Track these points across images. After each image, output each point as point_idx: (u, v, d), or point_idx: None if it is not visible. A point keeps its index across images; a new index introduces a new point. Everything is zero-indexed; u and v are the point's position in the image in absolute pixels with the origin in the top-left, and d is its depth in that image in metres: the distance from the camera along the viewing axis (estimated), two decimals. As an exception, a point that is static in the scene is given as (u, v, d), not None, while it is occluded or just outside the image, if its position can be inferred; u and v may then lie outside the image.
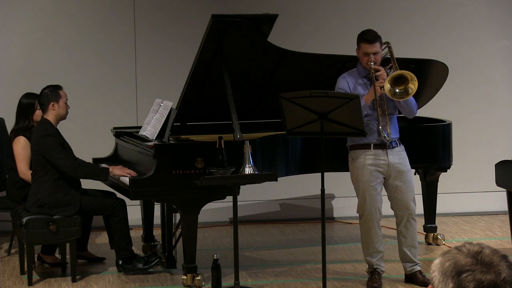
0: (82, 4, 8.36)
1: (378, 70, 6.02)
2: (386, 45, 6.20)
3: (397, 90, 5.92)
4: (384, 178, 6.17)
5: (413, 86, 5.88)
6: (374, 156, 6.13)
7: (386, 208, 6.32)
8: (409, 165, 6.25)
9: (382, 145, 6.13)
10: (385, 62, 6.18)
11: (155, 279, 6.57)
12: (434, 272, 2.06)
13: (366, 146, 6.15)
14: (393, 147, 6.16)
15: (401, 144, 6.24)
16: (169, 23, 8.48)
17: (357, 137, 6.09)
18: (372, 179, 6.13)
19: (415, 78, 5.88)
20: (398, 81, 5.92)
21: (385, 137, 6.08)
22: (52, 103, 6.55)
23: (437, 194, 7.49)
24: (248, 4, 8.33)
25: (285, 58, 6.91)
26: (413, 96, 6.06)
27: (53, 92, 6.58)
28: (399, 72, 5.93)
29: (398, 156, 6.17)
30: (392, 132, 6.15)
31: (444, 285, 2.03)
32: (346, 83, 6.17)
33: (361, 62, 6.14)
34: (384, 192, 6.24)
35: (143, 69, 8.45)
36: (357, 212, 6.27)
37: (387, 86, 5.88)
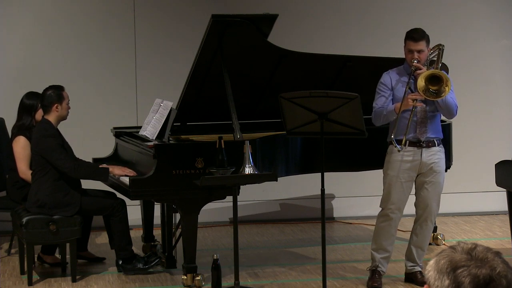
0: (82, 4, 8.36)
1: (419, 68, 5.99)
2: (437, 47, 6.18)
3: (430, 89, 5.87)
4: (416, 176, 6.13)
5: (447, 89, 5.83)
6: (407, 153, 6.09)
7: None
8: (444, 168, 6.19)
9: (417, 143, 6.10)
10: (432, 64, 6.15)
11: (155, 279, 6.58)
12: (430, 272, 2.08)
13: (401, 142, 6.11)
14: (429, 147, 6.11)
15: (441, 145, 6.18)
16: (169, 23, 8.48)
17: (394, 132, 6.07)
18: (399, 175, 6.10)
19: (450, 83, 5.84)
20: (433, 80, 5.87)
21: (398, 150, 6.02)
22: (55, 105, 6.55)
23: (437, 194, 7.48)
24: (248, 4, 8.33)
25: (285, 58, 6.91)
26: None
27: (56, 94, 6.57)
28: (435, 71, 5.90)
29: (434, 156, 6.10)
30: (430, 131, 6.09)
31: (440, 282, 2.04)
32: (389, 78, 6.15)
33: (406, 59, 6.12)
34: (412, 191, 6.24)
35: (143, 69, 8.45)
36: (379, 206, 6.25)
37: (422, 82, 5.83)
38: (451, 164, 7.24)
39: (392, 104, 6.08)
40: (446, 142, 7.10)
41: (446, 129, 7.12)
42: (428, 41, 6.08)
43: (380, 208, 6.25)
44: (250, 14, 6.78)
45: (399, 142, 6.08)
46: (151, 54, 8.46)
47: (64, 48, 8.32)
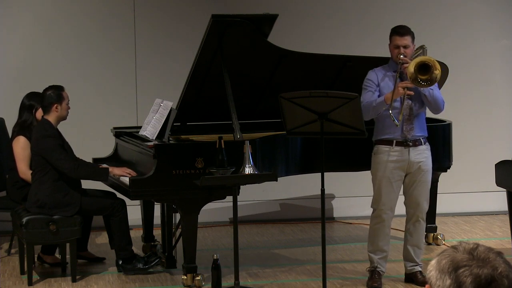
0: (82, 4, 8.36)
1: (406, 62, 5.99)
2: (421, 47, 6.19)
3: (420, 79, 5.86)
4: (404, 175, 6.15)
5: (438, 72, 5.83)
6: (395, 153, 6.10)
7: (397, 206, 6.31)
8: (431, 165, 6.20)
9: (405, 142, 6.11)
10: None
11: (155, 279, 6.58)
12: (431, 271, 2.08)
13: (389, 142, 6.11)
14: (416, 145, 6.13)
15: (427, 144, 6.20)
16: (169, 23, 8.48)
17: (381, 132, 6.09)
18: (390, 176, 6.11)
19: (438, 64, 5.84)
20: (422, 70, 5.88)
21: (394, 120, 6.00)
22: (55, 105, 6.55)
23: (437, 194, 7.49)
24: (248, 4, 8.33)
25: (285, 58, 6.91)
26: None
27: (56, 94, 6.57)
28: (424, 57, 5.90)
29: (421, 155, 6.13)
30: (417, 129, 6.11)
31: (441, 282, 2.04)
32: (375, 75, 6.17)
33: (391, 56, 6.14)
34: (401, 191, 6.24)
35: (143, 69, 8.45)
36: (371, 206, 6.27)
37: (411, 69, 5.84)
38: (451, 164, 7.24)
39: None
40: (446, 142, 7.12)
41: (446, 129, 7.13)
42: (413, 37, 6.12)
43: (372, 209, 6.26)
44: (250, 14, 6.78)
45: (386, 142, 6.10)
46: (151, 54, 8.46)
47: (64, 48, 8.32)
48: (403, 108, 6.06)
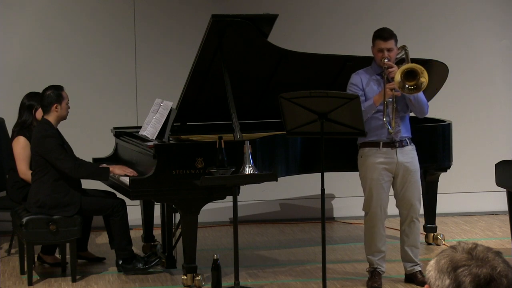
0: (82, 4, 8.36)
1: (391, 67, 6.03)
2: (403, 48, 6.22)
3: (407, 85, 5.90)
4: (392, 177, 6.18)
5: (424, 80, 5.86)
6: (383, 155, 6.13)
7: (389, 207, 6.32)
8: (418, 165, 6.23)
9: (392, 144, 6.13)
10: (400, 63, 6.18)
11: (155, 279, 6.58)
12: (430, 271, 2.08)
13: (376, 144, 6.14)
14: (403, 146, 6.16)
15: (412, 144, 6.23)
16: (169, 23, 8.48)
17: (367, 134, 6.11)
18: (379, 178, 6.13)
19: (426, 72, 5.87)
20: (409, 76, 5.91)
21: (388, 128, 6.06)
22: (55, 105, 6.55)
23: (437, 194, 7.49)
24: (248, 4, 8.33)
25: (285, 58, 6.91)
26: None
27: (55, 94, 6.57)
28: (410, 65, 5.93)
29: (408, 155, 6.17)
30: (402, 130, 6.15)
31: (440, 282, 2.04)
32: (359, 79, 6.19)
33: (375, 60, 6.17)
34: (390, 191, 6.25)
35: (143, 69, 8.45)
36: (362, 209, 6.28)
37: (398, 77, 5.87)
38: (451, 164, 7.24)
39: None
40: (446, 142, 7.12)
41: (446, 129, 7.13)
42: (396, 40, 6.15)
43: (364, 212, 6.26)
44: (250, 14, 6.78)
45: (373, 144, 6.13)
46: (151, 54, 8.46)
47: (64, 48, 8.32)
48: (389, 112, 6.08)
